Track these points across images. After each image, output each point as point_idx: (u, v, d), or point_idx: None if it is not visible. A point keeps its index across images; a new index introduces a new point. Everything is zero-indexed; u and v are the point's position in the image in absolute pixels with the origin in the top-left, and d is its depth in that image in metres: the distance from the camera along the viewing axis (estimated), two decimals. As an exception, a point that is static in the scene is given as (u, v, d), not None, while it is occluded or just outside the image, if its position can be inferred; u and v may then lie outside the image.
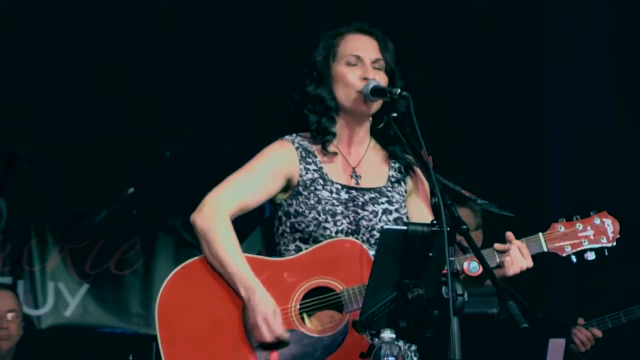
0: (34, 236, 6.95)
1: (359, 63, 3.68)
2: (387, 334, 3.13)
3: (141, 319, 6.92)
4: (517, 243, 3.58)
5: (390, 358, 3.09)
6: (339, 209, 3.61)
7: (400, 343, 3.50)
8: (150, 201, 6.94)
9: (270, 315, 3.43)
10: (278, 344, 3.45)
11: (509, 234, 3.62)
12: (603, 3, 6.88)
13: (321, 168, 3.68)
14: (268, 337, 3.43)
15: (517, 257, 3.56)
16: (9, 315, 6.18)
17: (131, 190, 6.79)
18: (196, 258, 3.58)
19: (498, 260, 3.57)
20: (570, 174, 6.82)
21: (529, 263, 3.58)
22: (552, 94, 6.98)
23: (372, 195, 3.68)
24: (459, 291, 3.09)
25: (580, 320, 5.66)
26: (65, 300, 6.94)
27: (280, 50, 6.72)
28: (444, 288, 3.09)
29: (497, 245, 3.59)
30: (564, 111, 6.94)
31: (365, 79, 3.63)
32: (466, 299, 3.09)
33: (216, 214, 3.56)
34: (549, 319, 5.52)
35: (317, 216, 3.59)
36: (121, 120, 6.81)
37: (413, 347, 3.69)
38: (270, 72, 6.82)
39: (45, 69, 6.75)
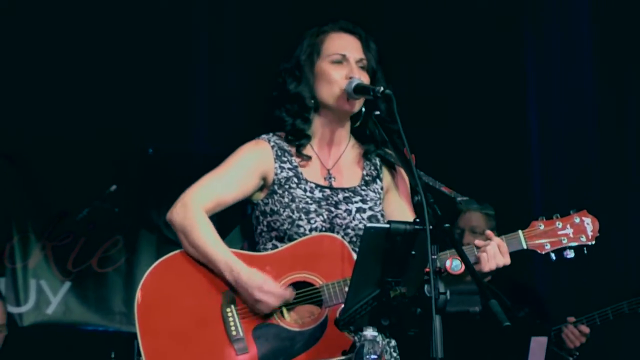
0: (16, 234, 6.91)
1: (345, 62, 3.69)
2: (370, 332, 3.13)
3: (123, 316, 6.89)
4: (496, 240, 3.59)
5: (372, 356, 3.09)
6: (313, 207, 3.62)
7: (379, 338, 3.50)
8: (133, 199, 6.92)
9: (263, 284, 3.45)
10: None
11: (488, 232, 3.64)
12: (585, 6, 6.90)
13: (296, 167, 3.70)
14: (274, 302, 3.46)
15: (494, 254, 3.56)
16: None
17: (113, 187, 6.78)
18: (176, 252, 3.59)
19: (476, 255, 3.59)
20: (551, 172, 6.85)
21: (506, 260, 3.58)
22: (534, 92, 7.01)
23: (346, 195, 3.69)
24: (442, 289, 3.10)
25: (571, 319, 5.67)
26: (47, 297, 6.91)
27: (261, 47, 6.71)
28: (426, 286, 3.10)
29: (477, 242, 3.60)
30: (545, 109, 6.96)
31: (350, 78, 3.64)
32: (448, 297, 3.10)
33: (191, 207, 3.58)
34: (531, 318, 5.53)
35: (291, 214, 3.61)
36: (103, 116, 6.79)
37: (392, 343, 3.70)
38: (252, 68, 6.82)
39: (25, 66, 6.71)
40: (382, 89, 3.52)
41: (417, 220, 3.20)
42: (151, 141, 7.01)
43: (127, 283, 6.92)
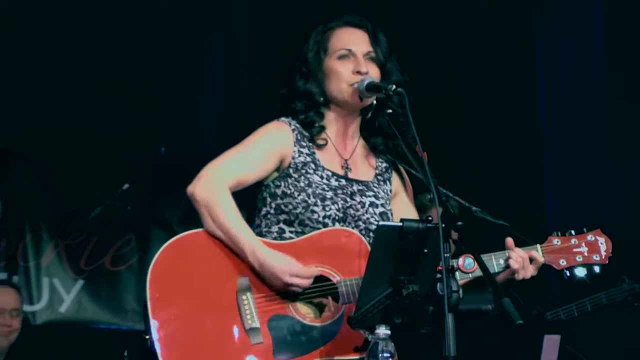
0: (29, 232, 6.94)
1: (351, 57, 3.68)
2: (383, 330, 3.12)
3: (136, 314, 6.91)
4: (520, 253, 3.59)
5: (385, 354, 3.09)
6: (329, 194, 3.61)
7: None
8: (145, 197, 6.94)
9: (291, 268, 3.41)
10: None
11: (509, 241, 3.63)
12: (599, 15, 6.87)
13: (314, 153, 3.69)
14: (304, 283, 3.42)
15: (527, 265, 3.58)
16: (13, 314, 6.13)
17: (126, 186, 6.80)
18: (190, 231, 3.53)
19: (503, 263, 3.58)
20: (563, 184, 6.83)
21: (534, 274, 3.61)
22: (546, 104, 6.99)
23: (360, 187, 3.68)
24: (454, 287, 3.09)
25: None
26: (60, 296, 6.93)
27: (271, 46, 6.72)
28: (438, 284, 3.09)
29: (511, 253, 3.60)
30: (555, 113, 6.95)
31: (359, 72, 3.63)
32: (461, 295, 3.09)
33: (216, 183, 3.53)
34: (544, 316, 5.52)
35: (306, 199, 3.58)
36: (116, 116, 6.81)
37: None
38: (261, 68, 6.83)
39: (38, 67, 6.75)
40: (394, 87, 3.52)
41: (430, 218, 3.20)
42: (163, 140, 7.03)
43: (140, 281, 6.93)
